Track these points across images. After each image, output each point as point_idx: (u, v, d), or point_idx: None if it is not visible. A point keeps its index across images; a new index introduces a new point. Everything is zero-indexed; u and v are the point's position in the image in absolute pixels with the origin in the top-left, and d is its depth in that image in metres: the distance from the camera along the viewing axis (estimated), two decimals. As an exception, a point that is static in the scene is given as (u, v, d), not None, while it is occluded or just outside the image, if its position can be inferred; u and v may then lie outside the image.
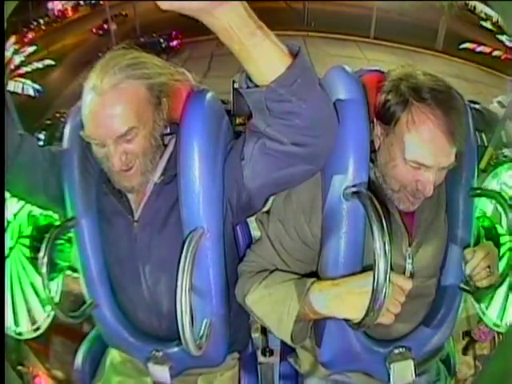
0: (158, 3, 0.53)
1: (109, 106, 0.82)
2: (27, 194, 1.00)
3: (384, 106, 0.85)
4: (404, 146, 0.83)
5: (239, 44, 0.63)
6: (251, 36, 0.62)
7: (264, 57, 0.65)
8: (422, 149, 0.81)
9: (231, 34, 0.61)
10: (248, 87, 0.72)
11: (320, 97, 0.74)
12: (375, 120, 0.89)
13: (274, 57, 0.66)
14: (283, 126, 0.74)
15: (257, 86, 0.70)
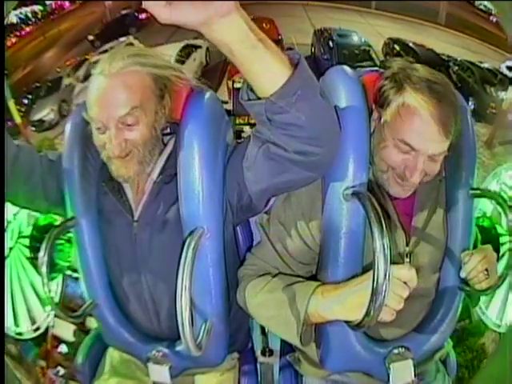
0: (156, 16, 0.51)
1: (114, 87, 0.85)
2: (28, 202, 1.00)
3: (380, 90, 0.87)
4: (393, 126, 0.84)
5: (240, 57, 0.62)
6: (252, 49, 0.61)
7: (265, 70, 0.64)
8: (409, 129, 0.82)
9: (231, 47, 0.60)
10: (249, 99, 0.71)
11: (321, 107, 0.73)
12: (374, 105, 0.90)
13: (274, 69, 0.65)
14: (285, 136, 0.73)
15: (258, 97, 0.69)
